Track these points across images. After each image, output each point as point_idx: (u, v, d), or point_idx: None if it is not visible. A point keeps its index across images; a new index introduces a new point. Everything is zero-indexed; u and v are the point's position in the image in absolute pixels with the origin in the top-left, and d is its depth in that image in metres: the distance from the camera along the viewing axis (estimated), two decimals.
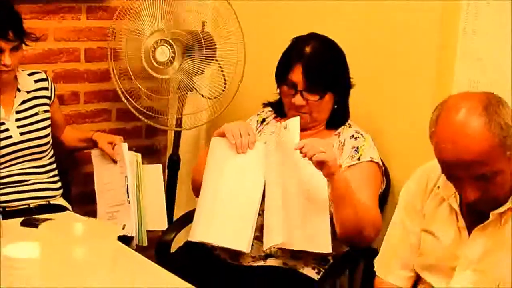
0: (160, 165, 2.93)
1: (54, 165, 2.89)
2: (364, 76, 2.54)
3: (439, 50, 2.39)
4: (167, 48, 2.91)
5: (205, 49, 2.92)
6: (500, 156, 1.64)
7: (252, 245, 2.35)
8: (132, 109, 3.09)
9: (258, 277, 2.30)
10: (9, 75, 2.69)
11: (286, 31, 2.57)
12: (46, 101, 2.85)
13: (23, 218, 2.31)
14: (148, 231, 2.80)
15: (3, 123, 2.71)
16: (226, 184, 2.37)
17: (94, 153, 2.93)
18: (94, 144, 2.93)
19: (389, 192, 2.51)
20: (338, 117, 2.48)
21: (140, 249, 2.51)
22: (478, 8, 2.24)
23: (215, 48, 2.95)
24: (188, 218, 2.67)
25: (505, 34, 2.18)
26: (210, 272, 2.34)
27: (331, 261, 2.40)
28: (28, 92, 2.80)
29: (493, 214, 1.75)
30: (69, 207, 2.86)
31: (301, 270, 2.35)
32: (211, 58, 2.95)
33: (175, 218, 2.99)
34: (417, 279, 1.96)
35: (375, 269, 2.04)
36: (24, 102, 2.78)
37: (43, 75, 2.88)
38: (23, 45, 2.67)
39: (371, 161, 2.38)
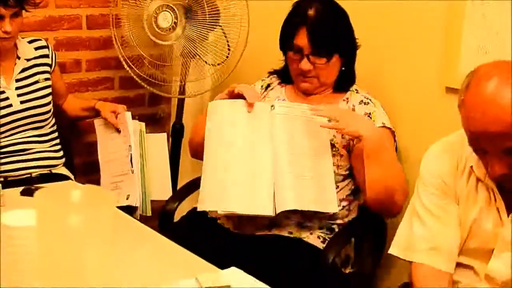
0: (165, 134, 2.91)
1: (56, 134, 2.86)
2: (370, 41, 2.51)
3: (447, 14, 2.35)
4: (170, 14, 2.87)
5: (208, 14, 2.88)
6: None
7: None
8: (135, 77, 3.06)
9: (263, 246, 2.28)
10: (9, 43, 2.66)
11: None
12: (47, 68, 2.82)
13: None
14: (152, 201, 2.78)
15: (3, 92, 2.68)
16: (238, 150, 2.31)
17: (98, 122, 2.90)
18: (97, 113, 2.91)
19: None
20: (346, 79, 2.44)
21: (144, 219, 2.49)
22: None
23: (219, 13, 2.91)
24: (192, 187, 2.65)
25: None
26: (214, 242, 2.32)
27: (336, 230, 2.38)
28: (28, 60, 2.77)
29: None
30: (72, 176, 2.85)
31: (306, 239, 2.33)
32: (214, 24, 2.91)
33: (178, 187, 2.96)
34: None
35: (397, 253, 1.90)
36: (24, 70, 2.75)
37: (43, 43, 2.84)
38: (24, 11, 2.64)
39: (384, 126, 2.35)
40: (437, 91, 2.41)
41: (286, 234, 2.33)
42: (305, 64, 2.35)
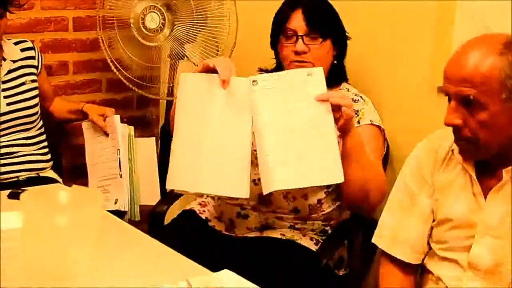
0: (153, 138, 2.88)
1: (44, 137, 2.83)
2: (361, 40, 2.51)
3: (438, 13, 2.34)
4: (157, 15, 2.86)
5: (196, 15, 2.86)
6: (493, 92, 1.61)
7: (248, 215, 2.29)
8: (122, 79, 3.04)
9: (255, 249, 2.26)
10: None
11: None
12: (33, 70, 2.79)
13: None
14: (140, 206, 2.76)
15: None
16: (212, 129, 2.16)
17: (85, 125, 2.87)
18: (84, 115, 2.88)
19: (388, 155, 2.47)
20: (337, 74, 2.42)
21: (132, 224, 2.45)
22: None
23: (207, 14, 2.89)
24: None
25: None
26: (205, 244, 2.28)
27: (329, 231, 2.36)
28: (14, 61, 2.74)
29: (506, 171, 1.70)
30: (60, 179, 2.82)
31: (299, 241, 2.30)
32: (202, 24, 2.89)
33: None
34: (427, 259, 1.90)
35: (375, 241, 1.98)
36: (10, 71, 2.72)
37: (29, 44, 2.82)
38: (8, 13, 2.60)
39: (371, 124, 2.33)
40: (428, 91, 2.40)
41: (279, 236, 2.31)
42: (300, 46, 2.32)
